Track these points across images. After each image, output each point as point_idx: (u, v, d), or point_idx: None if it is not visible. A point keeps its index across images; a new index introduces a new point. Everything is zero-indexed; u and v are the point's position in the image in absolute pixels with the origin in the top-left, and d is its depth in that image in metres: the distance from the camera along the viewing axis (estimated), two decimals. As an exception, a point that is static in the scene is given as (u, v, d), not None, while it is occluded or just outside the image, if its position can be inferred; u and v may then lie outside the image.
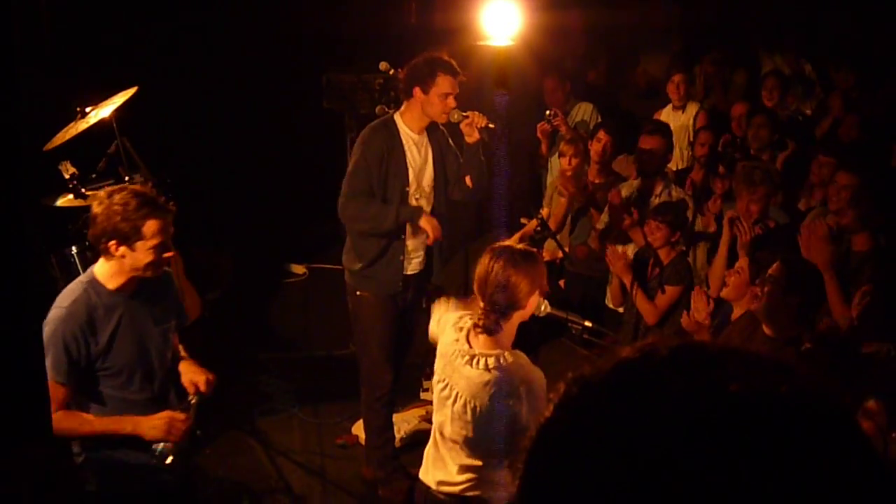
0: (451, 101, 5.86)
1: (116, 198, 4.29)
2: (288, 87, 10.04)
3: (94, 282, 4.43)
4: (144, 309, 4.56)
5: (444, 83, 5.83)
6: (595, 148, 7.56)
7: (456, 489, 4.30)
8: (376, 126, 6.05)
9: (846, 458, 0.92)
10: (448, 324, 4.40)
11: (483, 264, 4.19)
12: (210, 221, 9.26)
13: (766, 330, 4.91)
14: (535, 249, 4.39)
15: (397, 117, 6.03)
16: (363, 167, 5.91)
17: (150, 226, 4.30)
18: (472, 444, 4.20)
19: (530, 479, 1.01)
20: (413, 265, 6.15)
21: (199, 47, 9.41)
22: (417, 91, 5.88)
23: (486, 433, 4.13)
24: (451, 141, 6.23)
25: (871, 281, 5.53)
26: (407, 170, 5.96)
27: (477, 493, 4.26)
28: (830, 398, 0.97)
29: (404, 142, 5.97)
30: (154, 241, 4.32)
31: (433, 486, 4.40)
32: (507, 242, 4.40)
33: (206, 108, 9.40)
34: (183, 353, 4.88)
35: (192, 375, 4.67)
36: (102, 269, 4.44)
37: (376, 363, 6.17)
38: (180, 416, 4.48)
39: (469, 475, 4.27)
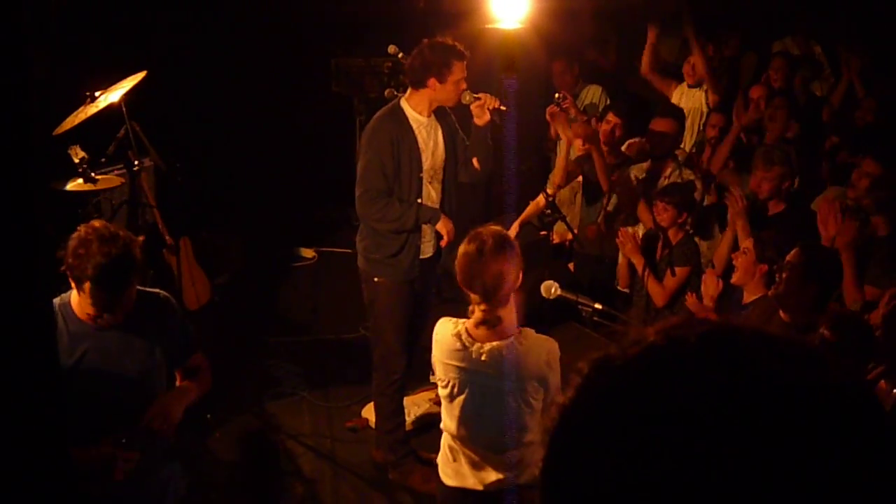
0: (463, 84, 5.87)
1: (87, 239, 3.87)
2: (297, 70, 10.03)
3: (66, 305, 4.02)
4: (122, 343, 4.04)
5: (458, 69, 5.83)
6: (604, 130, 7.55)
7: (520, 479, 4.30)
8: (383, 116, 6.01)
9: (877, 448, 0.92)
10: (443, 334, 4.37)
11: (468, 258, 4.18)
12: (219, 205, 9.29)
13: (782, 315, 4.92)
14: (502, 229, 4.39)
15: (404, 103, 5.99)
16: (376, 163, 5.87)
17: (87, 287, 3.85)
18: (520, 430, 4.21)
19: (554, 463, 1.01)
20: (426, 249, 6.15)
21: (207, 31, 9.40)
22: (433, 81, 5.85)
23: (530, 414, 4.17)
24: (456, 123, 6.23)
25: (886, 267, 5.51)
26: (420, 155, 5.94)
27: (534, 474, 4.25)
28: (863, 388, 0.96)
29: (414, 127, 5.95)
30: (87, 300, 3.89)
31: (482, 488, 4.35)
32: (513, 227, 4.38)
33: (215, 92, 9.40)
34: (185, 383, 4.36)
35: (156, 408, 4.06)
36: (74, 293, 4.01)
37: (392, 349, 6.16)
38: (122, 454, 3.94)
39: (521, 463, 4.28)
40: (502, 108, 6.04)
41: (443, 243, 6.08)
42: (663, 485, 0.89)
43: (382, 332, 6.19)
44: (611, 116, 7.68)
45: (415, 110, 5.95)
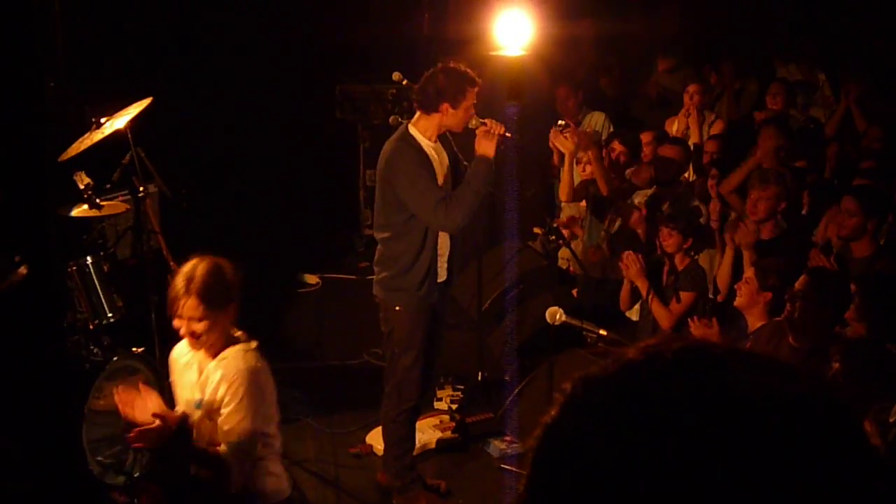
0: (472, 110, 5.89)
1: None
2: (301, 97, 10.07)
3: None
4: None
5: (471, 96, 5.84)
6: (609, 158, 7.57)
7: None
8: (398, 144, 5.94)
9: (847, 458, 0.94)
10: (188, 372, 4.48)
11: (228, 280, 4.50)
12: (224, 231, 9.29)
13: (791, 341, 4.95)
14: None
15: (412, 128, 5.95)
16: (423, 176, 5.80)
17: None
18: None
19: (537, 478, 1.02)
20: (441, 273, 6.13)
21: (212, 58, 9.46)
22: (446, 107, 5.83)
23: None
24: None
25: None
26: (436, 177, 5.95)
27: None
28: (834, 398, 0.98)
29: (427, 151, 5.95)
30: None
31: None
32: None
33: (220, 118, 9.44)
34: None
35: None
36: None
37: (409, 376, 6.08)
38: None
39: None
40: (507, 135, 6.05)
41: (499, 131, 5.99)
42: (640, 494, 0.91)
43: (400, 360, 6.08)
44: (616, 144, 7.70)
45: (423, 135, 5.92)
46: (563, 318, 5.21)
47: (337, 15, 9.92)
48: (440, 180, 5.97)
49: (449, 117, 5.85)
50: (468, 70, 5.88)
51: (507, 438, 6.68)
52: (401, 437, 6.20)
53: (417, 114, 5.98)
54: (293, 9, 10.01)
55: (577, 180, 7.88)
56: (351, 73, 10.19)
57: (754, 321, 5.53)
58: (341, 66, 10.27)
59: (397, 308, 6.01)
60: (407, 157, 5.87)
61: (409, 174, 5.87)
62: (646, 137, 8.25)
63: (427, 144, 5.95)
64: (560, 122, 8.28)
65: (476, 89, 5.85)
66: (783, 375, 0.98)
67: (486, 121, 5.94)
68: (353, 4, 10.10)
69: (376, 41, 9.66)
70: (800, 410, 0.94)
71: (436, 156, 5.98)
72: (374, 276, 6.22)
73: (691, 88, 8.87)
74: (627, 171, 7.75)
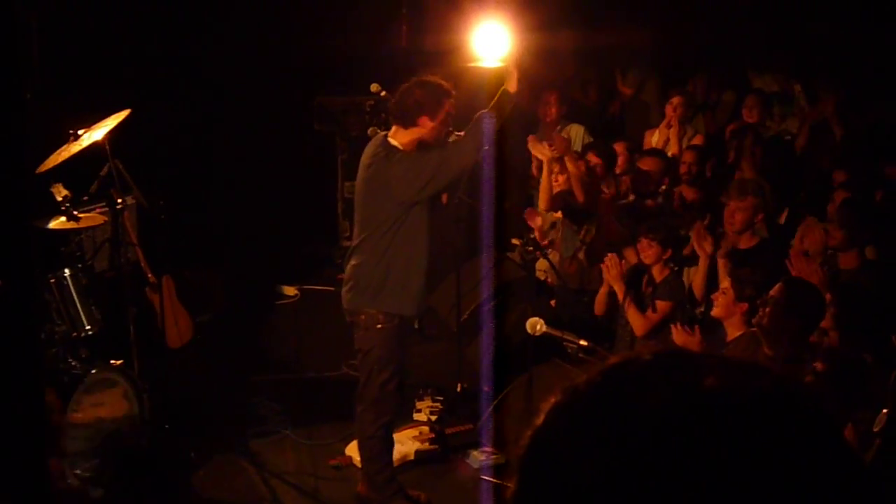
0: (449, 123, 5.88)
1: None
2: (279, 109, 10.07)
3: None
4: None
5: (448, 107, 5.84)
6: (584, 170, 7.59)
7: None
8: (382, 150, 5.95)
9: (819, 451, 0.96)
10: None
11: None
12: (202, 243, 9.27)
13: (766, 350, 4.98)
14: None
15: (392, 140, 5.94)
16: (414, 155, 5.83)
17: None
18: None
19: (524, 482, 1.04)
20: None
21: (191, 70, 9.44)
22: (425, 120, 5.81)
23: None
24: None
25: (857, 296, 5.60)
26: None
27: None
28: (804, 395, 1.01)
29: None
30: None
31: None
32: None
33: (199, 130, 9.43)
34: None
35: None
36: None
37: (386, 391, 6.01)
38: None
39: None
40: (485, 146, 6.05)
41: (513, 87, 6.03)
42: (625, 494, 0.93)
43: (381, 376, 5.97)
44: (591, 156, 7.72)
45: (403, 147, 5.89)
46: (544, 328, 5.21)
47: (315, 27, 9.92)
48: None
49: (427, 130, 5.83)
50: (442, 81, 5.88)
51: (487, 449, 6.68)
52: (380, 451, 6.14)
53: (394, 128, 5.95)
54: (271, 21, 10.01)
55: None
56: (329, 84, 10.19)
57: (733, 331, 5.56)
58: (319, 77, 10.26)
59: (379, 326, 5.92)
60: (396, 150, 5.84)
61: (405, 157, 5.82)
62: (619, 148, 8.28)
63: None
64: (551, 143, 8.24)
65: (451, 100, 5.85)
66: (755, 374, 1.01)
67: (462, 133, 5.92)
68: (330, 16, 10.09)
69: (354, 53, 9.65)
70: (770, 404, 0.97)
71: None
72: (346, 291, 6.07)
73: (675, 100, 8.89)
74: (603, 184, 7.78)
